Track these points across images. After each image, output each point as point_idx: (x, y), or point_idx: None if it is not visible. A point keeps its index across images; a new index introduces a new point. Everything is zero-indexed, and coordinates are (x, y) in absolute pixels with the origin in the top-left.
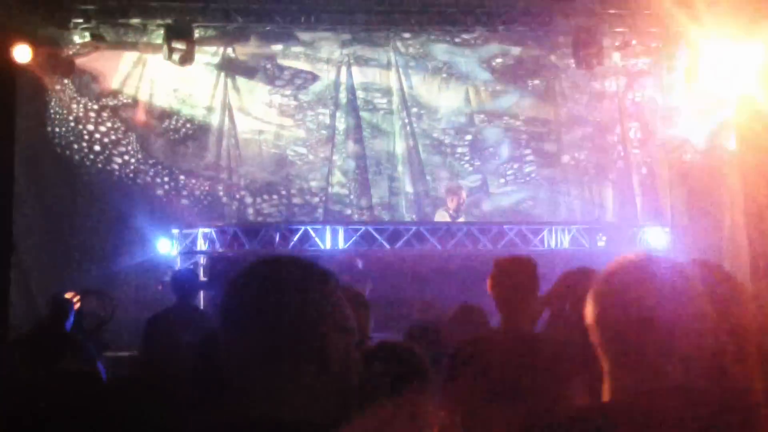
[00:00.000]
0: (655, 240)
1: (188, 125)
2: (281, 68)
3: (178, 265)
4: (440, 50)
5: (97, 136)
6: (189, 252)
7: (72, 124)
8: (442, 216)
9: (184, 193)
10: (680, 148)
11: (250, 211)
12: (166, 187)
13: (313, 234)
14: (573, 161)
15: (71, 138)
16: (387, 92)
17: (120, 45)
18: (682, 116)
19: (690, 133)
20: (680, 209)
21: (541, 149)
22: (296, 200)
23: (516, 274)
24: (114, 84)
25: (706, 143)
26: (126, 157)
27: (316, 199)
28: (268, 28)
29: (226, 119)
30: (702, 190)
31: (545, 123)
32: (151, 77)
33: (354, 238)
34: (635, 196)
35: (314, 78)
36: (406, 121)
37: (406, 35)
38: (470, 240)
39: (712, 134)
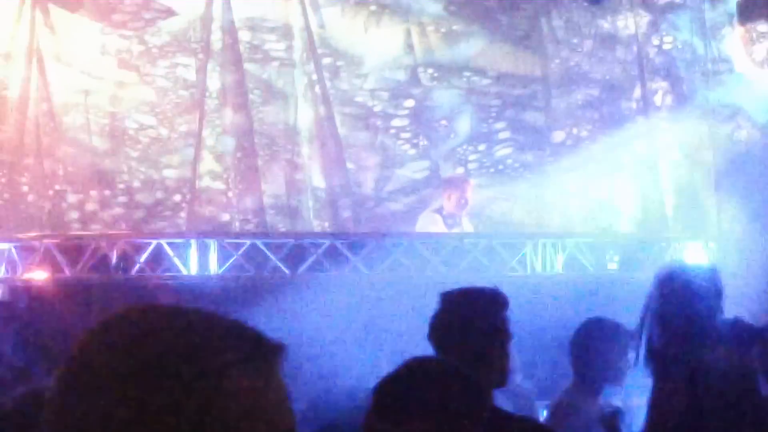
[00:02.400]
0: (696, 259)
1: None
2: None
3: None
4: None
5: None
6: None
7: None
8: (429, 222)
9: None
10: (731, 121)
11: (73, 215)
12: None
13: (170, 252)
14: (570, 140)
15: None
16: (285, 33)
17: None
18: (733, 73)
19: (746, 98)
20: (732, 212)
21: (522, 122)
22: (143, 199)
23: (470, 314)
24: None
25: None
26: None
27: (176, 198)
28: None
29: (34, 73)
30: (764, 184)
31: (528, 82)
32: None
33: (234, 259)
34: (664, 193)
35: (171, 9)
36: (315, 77)
37: None
38: (414, 260)
39: None
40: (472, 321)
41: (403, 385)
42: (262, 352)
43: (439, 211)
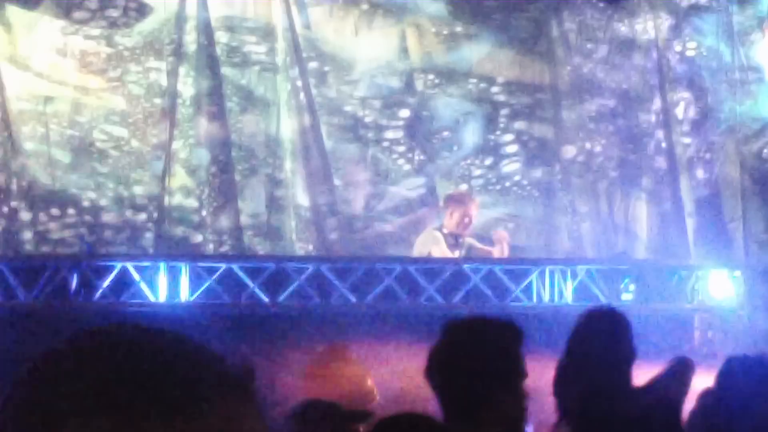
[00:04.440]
0: (719, 289)
1: None
2: None
3: None
4: None
5: None
6: None
7: None
8: (430, 240)
9: None
10: (761, 136)
11: (27, 235)
12: None
13: (136, 276)
14: (582, 156)
15: None
16: (267, 34)
17: None
18: (764, 83)
19: None
20: (760, 238)
21: (530, 135)
22: (108, 218)
23: (478, 348)
24: None
25: None
26: None
27: (143, 216)
28: None
29: None
30: None
31: (536, 91)
32: None
33: (207, 284)
34: (685, 215)
35: (142, 7)
36: (299, 84)
37: None
38: (406, 287)
39: None
40: (481, 357)
41: None
42: (234, 381)
43: (440, 230)
